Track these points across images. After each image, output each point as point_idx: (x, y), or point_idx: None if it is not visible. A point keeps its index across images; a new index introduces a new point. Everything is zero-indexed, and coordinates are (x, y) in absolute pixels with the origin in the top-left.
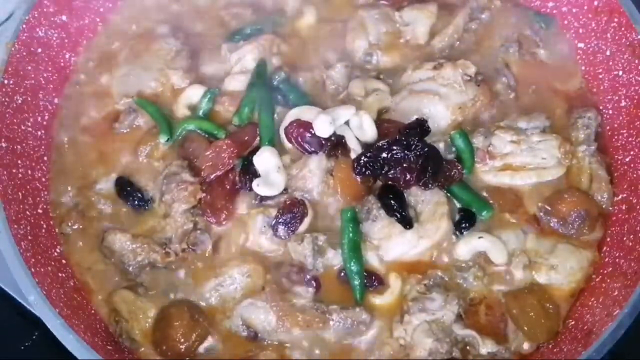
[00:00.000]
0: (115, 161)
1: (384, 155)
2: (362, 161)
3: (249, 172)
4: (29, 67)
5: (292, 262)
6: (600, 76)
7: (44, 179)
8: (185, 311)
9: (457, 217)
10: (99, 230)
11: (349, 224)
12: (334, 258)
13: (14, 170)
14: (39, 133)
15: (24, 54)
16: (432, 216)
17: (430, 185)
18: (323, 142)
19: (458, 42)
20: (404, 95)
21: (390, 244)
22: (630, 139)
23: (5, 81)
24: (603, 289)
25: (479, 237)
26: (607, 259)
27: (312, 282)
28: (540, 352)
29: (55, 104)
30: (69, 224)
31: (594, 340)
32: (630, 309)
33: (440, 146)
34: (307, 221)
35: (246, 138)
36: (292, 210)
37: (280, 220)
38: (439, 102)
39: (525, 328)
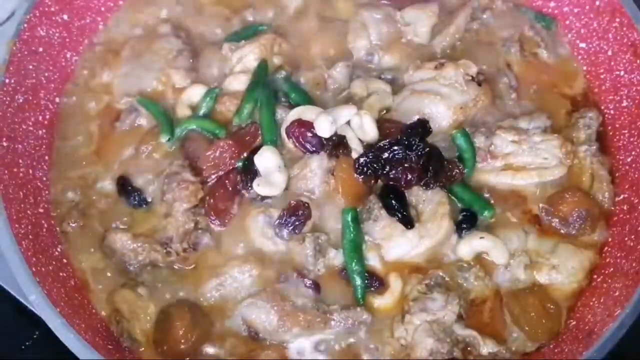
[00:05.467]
0: (116, 160)
1: (385, 155)
2: (363, 161)
3: (250, 171)
4: (30, 66)
5: (292, 264)
6: (602, 76)
7: (44, 178)
8: (186, 311)
9: (459, 217)
10: (99, 230)
11: (351, 224)
12: (335, 258)
13: (15, 170)
14: (40, 132)
15: (25, 53)
16: (434, 216)
17: (431, 185)
18: (324, 141)
19: (459, 42)
20: (405, 95)
21: (392, 244)
22: (631, 139)
23: (7, 80)
24: (604, 289)
25: (480, 237)
26: (608, 259)
27: (312, 286)
28: (542, 352)
29: (57, 103)
30: (70, 223)
31: (595, 341)
32: (631, 309)
33: (442, 146)
34: (309, 222)
35: (247, 138)
36: (296, 213)
37: (283, 222)
38: (440, 102)
39: (527, 328)
